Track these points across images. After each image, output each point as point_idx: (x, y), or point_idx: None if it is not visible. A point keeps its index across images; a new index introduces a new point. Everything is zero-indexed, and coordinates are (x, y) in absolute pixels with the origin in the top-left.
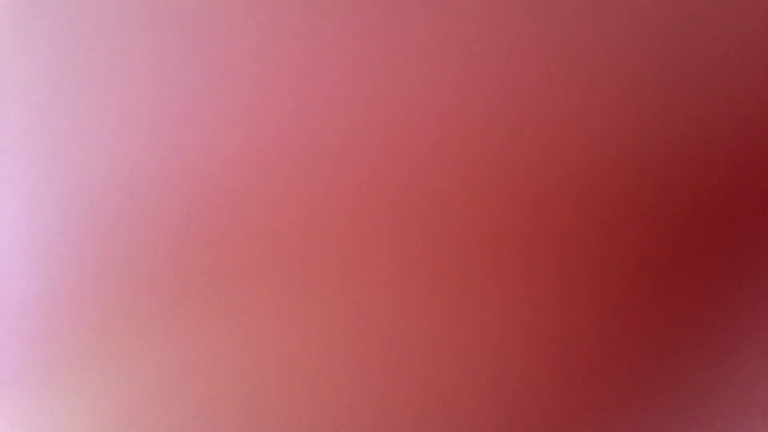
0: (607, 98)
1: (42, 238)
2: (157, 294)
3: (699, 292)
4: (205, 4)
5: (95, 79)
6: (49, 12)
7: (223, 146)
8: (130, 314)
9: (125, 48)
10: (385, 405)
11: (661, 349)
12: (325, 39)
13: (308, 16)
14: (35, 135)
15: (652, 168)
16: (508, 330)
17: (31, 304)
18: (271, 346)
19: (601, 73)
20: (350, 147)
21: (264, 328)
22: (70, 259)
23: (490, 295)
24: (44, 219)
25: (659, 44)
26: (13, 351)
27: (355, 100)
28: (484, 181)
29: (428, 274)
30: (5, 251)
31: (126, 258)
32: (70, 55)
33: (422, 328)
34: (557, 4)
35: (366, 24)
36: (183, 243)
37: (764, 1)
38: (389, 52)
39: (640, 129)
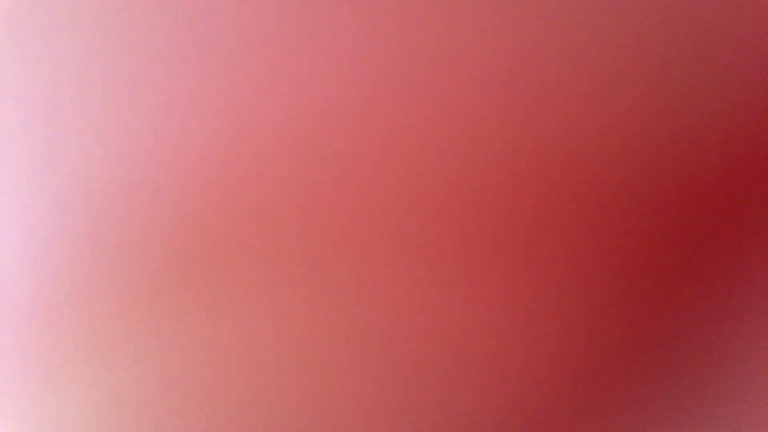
0: (608, 98)
1: (41, 237)
2: (157, 292)
3: (700, 291)
4: (205, 4)
5: (94, 79)
6: (48, 12)
7: (222, 144)
8: (131, 313)
9: (124, 47)
10: (385, 403)
11: (661, 346)
12: (326, 39)
13: (309, 15)
14: (34, 134)
15: (654, 166)
16: (508, 327)
17: (31, 303)
18: (271, 344)
19: (602, 72)
20: (350, 145)
21: (265, 327)
22: (69, 258)
23: (489, 292)
24: (43, 218)
25: (661, 43)
26: (12, 350)
27: (355, 99)
28: (485, 179)
29: (428, 271)
30: (5, 251)
31: (126, 257)
32: (69, 55)
33: (422, 325)
34: (559, 4)
35: (369, 23)
36: (182, 242)
37: (764, 1)
38: (391, 50)
39: (644, 128)
